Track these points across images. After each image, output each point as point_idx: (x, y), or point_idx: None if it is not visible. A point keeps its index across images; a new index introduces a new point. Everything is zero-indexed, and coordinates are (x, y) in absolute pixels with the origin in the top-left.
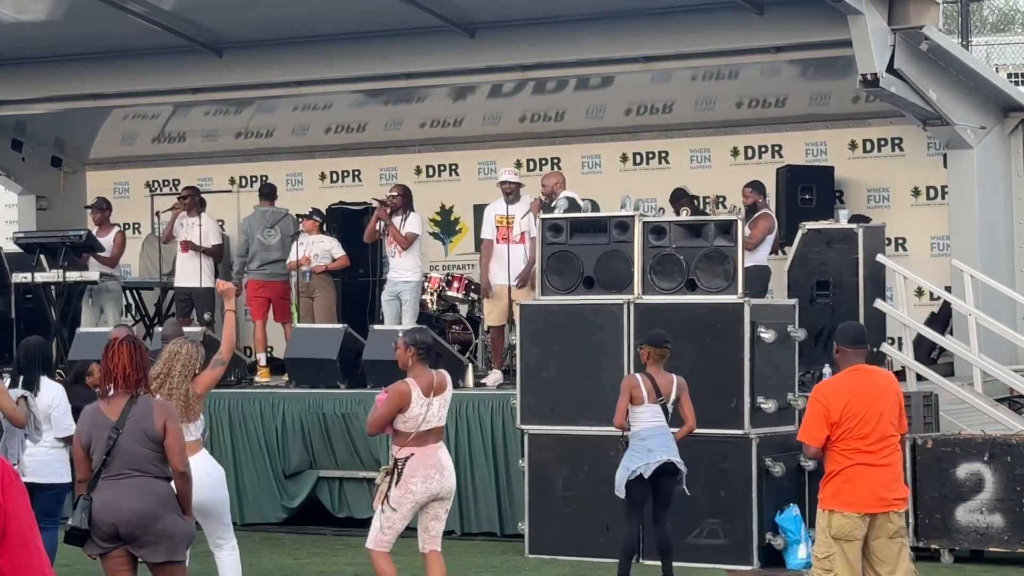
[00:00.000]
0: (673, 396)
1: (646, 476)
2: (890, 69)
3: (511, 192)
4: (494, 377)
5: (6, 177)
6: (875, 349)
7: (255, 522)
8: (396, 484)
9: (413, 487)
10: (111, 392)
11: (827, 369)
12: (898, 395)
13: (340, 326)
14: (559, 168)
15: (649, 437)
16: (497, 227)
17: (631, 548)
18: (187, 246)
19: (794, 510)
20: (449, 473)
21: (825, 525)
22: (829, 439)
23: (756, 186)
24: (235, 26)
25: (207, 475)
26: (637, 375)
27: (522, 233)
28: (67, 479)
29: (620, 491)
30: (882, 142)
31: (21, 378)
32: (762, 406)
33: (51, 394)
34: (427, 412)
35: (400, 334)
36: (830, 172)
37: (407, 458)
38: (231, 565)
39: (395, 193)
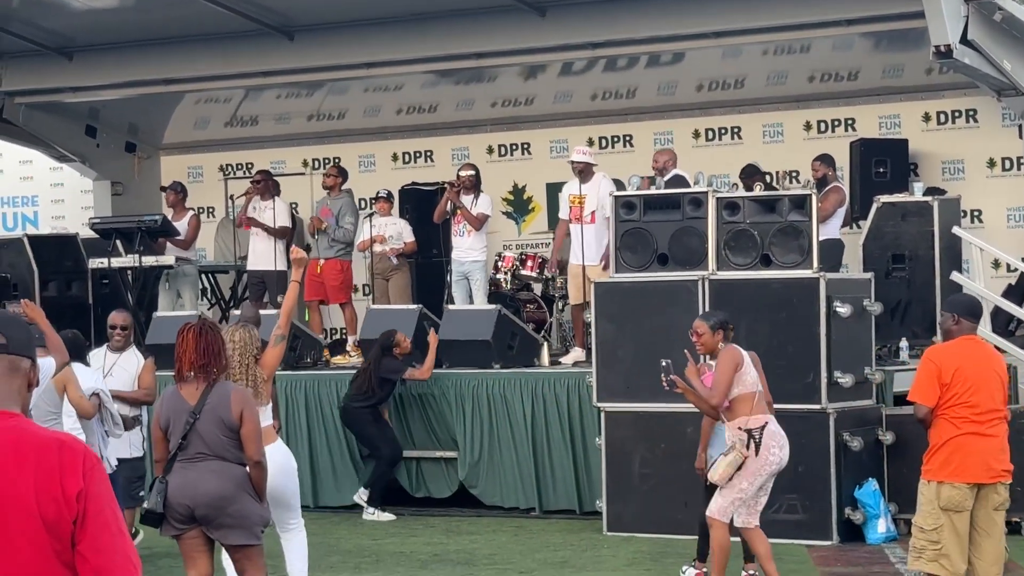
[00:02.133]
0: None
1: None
2: (963, 40)
3: (582, 171)
4: (575, 355)
5: (81, 163)
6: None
7: (334, 504)
8: (756, 455)
9: (771, 456)
10: (187, 377)
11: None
12: (1003, 372)
13: (415, 307)
14: (631, 146)
15: None
16: (570, 207)
17: (705, 527)
18: (250, 223)
19: (873, 484)
20: (787, 445)
21: (933, 497)
22: (939, 404)
23: (825, 159)
24: (306, 9)
25: (279, 468)
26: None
27: (592, 212)
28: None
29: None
30: (956, 114)
31: None
32: (839, 381)
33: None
34: (756, 375)
35: (701, 319)
36: (904, 145)
37: (763, 426)
38: (297, 547)
39: (468, 173)
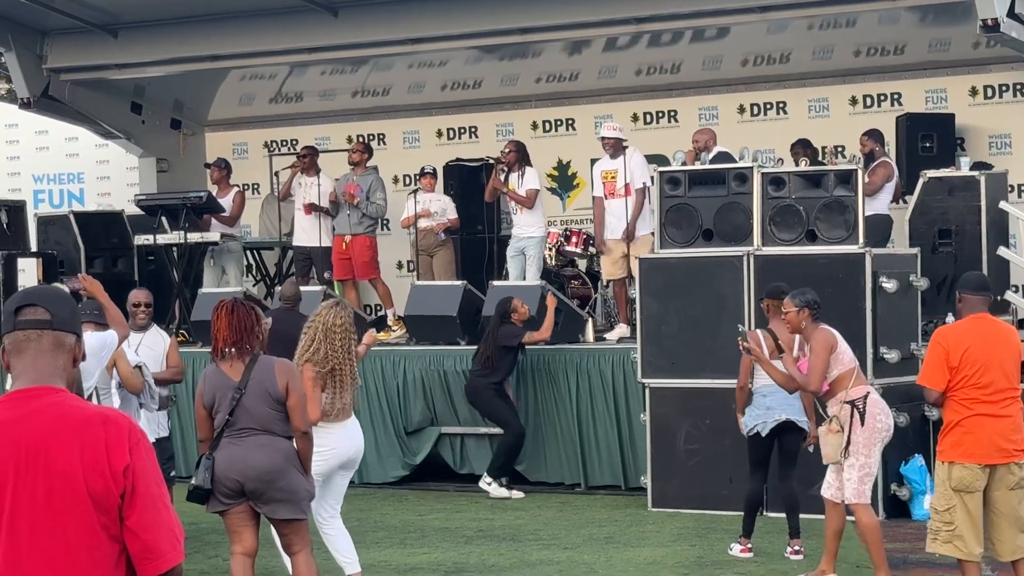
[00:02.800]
0: (796, 348)
1: (763, 434)
2: (1011, 13)
3: (612, 147)
4: (619, 331)
5: (126, 140)
6: (999, 297)
7: (378, 480)
8: (862, 425)
9: (878, 423)
10: (226, 354)
11: (950, 318)
12: (1019, 349)
13: (459, 283)
14: (675, 121)
15: (770, 394)
16: (604, 183)
17: (753, 503)
18: (310, 208)
19: (919, 460)
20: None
21: (945, 477)
22: (949, 387)
23: (873, 134)
24: None
25: (358, 435)
26: (757, 331)
27: (626, 185)
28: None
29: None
30: (1003, 88)
31: None
32: (885, 356)
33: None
34: (850, 351)
35: (789, 297)
36: (951, 119)
37: (865, 396)
38: (345, 533)
39: (507, 150)
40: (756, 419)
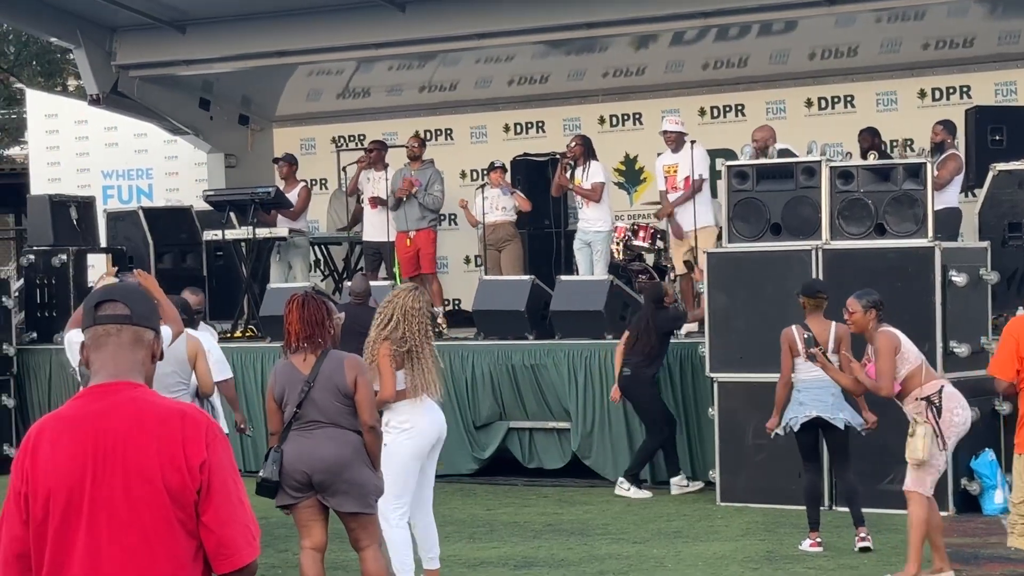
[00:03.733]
0: (832, 345)
1: (795, 430)
2: None
3: (673, 141)
4: (688, 325)
5: (195, 136)
6: None
7: (447, 473)
8: (939, 419)
9: (955, 417)
10: (297, 347)
11: (1021, 311)
12: None
13: (527, 277)
14: (743, 115)
15: (804, 390)
16: (666, 177)
17: (812, 495)
18: (375, 202)
19: (989, 455)
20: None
21: (1022, 469)
22: (1020, 378)
23: (947, 125)
24: None
25: (439, 415)
26: (792, 327)
27: (686, 178)
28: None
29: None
30: None
31: None
32: (955, 350)
33: (206, 339)
34: (916, 348)
35: (854, 298)
36: (1021, 112)
37: (940, 390)
38: (433, 526)
39: (573, 143)
40: (790, 415)
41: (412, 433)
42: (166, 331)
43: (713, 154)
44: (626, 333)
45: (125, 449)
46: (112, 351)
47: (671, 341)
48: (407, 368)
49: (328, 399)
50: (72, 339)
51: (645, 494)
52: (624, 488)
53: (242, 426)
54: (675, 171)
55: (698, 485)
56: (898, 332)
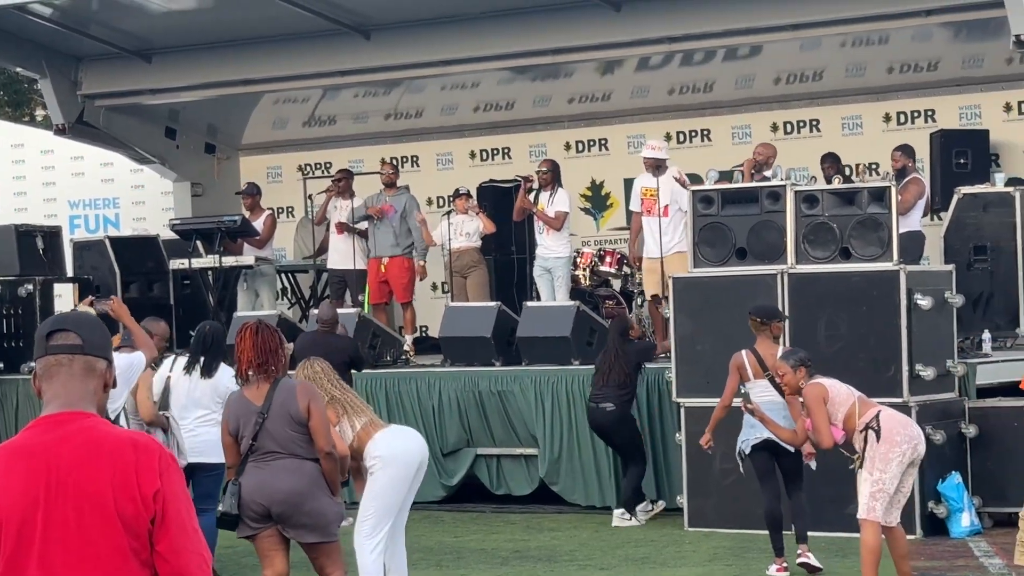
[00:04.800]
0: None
1: (745, 452)
2: None
3: (653, 167)
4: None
5: (161, 165)
6: None
7: (414, 501)
8: (879, 441)
9: (897, 437)
10: (252, 378)
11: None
12: None
13: (493, 304)
14: (709, 140)
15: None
16: (643, 199)
17: (772, 521)
18: (342, 228)
19: (956, 478)
20: (917, 427)
21: None
22: None
23: (905, 150)
24: (381, 8)
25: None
26: (742, 352)
27: (665, 206)
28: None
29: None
30: None
31: (201, 360)
32: (921, 374)
33: (228, 377)
34: (844, 389)
35: (781, 360)
36: (985, 135)
37: (876, 415)
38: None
39: (542, 169)
40: (741, 437)
41: (390, 462)
42: (139, 356)
43: None
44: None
45: (78, 478)
46: (64, 381)
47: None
48: (345, 418)
49: (282, 429)
50: None
51: (643, 518)
52: (625, 518)
53: None
54: (653, 195)
55: (661, 505)
56: (823, 380)
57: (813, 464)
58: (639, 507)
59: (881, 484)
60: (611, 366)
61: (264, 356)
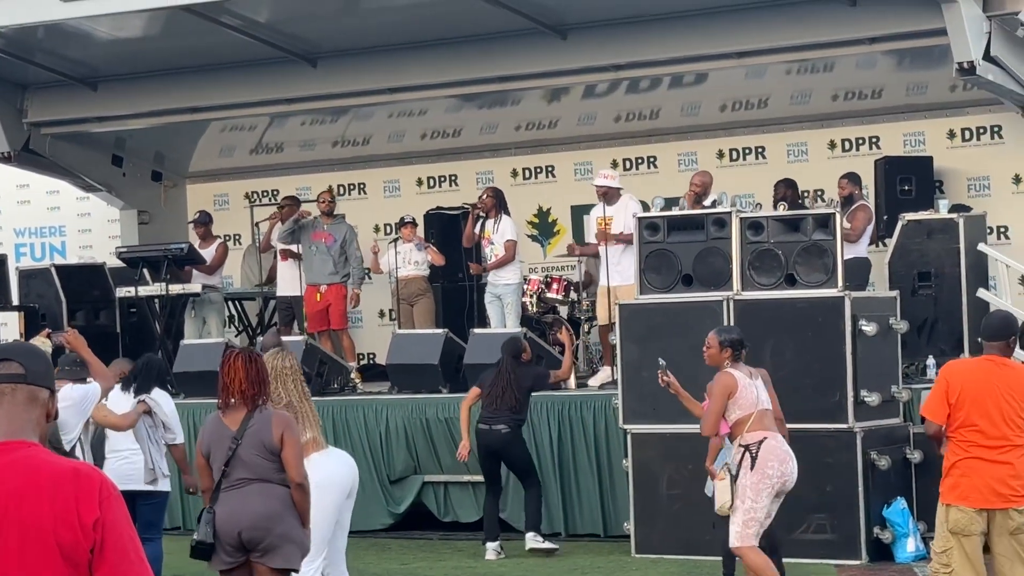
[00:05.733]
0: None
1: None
2: (987, 56)
3: (606, 194)
4: (603, 375)
5: (108, 193)
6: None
7: (362, 528)
8: (752, 469)
9: (769, 469)
10: (232, 403)
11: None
12: None
13: (441, 331)
14: (655, 167)
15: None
16: (597, 229)
17: (728, 548)
18: (286, 255)
19: (901, 503)
20: (794, 462)
21: (943, 519)
22: (949, 424)
23: (852, 177)
24: (328, 36)
25: (345, 459)
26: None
27: (619, 233)
28: (166, 488)
29: (708, 490)
30: (981, 130)
31: (134, 386)
32: (866, 399)
33: (164, 402)
34: (758, 392)
35: (715, 332)
36: (929, 162)
37: (760, 441)
38: None
39: (484, 197)
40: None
41: (322, 487)
42: (95, 387)
43: None
44: (475, 389)
45: (19, 508)
46: (6, 410)
47: (559, 393)
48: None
49: (254, 456)
50: None
51: (552, 544)
52: (538, 541)
53: (191, 490)
54: (609, 224)
55: (553, 546)
56: (739, 376)
57: (709, 490)
58: (544, 540)
59: (753, 513)
60: (504, 389)
61: (256, 387)
